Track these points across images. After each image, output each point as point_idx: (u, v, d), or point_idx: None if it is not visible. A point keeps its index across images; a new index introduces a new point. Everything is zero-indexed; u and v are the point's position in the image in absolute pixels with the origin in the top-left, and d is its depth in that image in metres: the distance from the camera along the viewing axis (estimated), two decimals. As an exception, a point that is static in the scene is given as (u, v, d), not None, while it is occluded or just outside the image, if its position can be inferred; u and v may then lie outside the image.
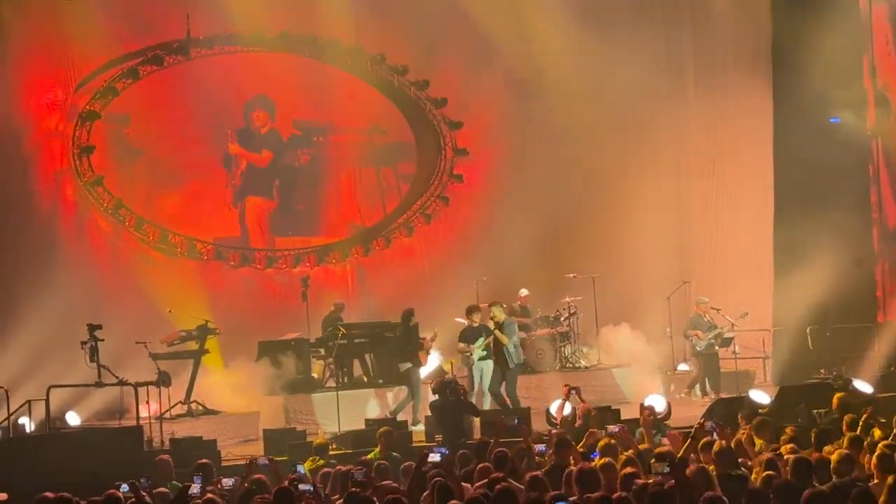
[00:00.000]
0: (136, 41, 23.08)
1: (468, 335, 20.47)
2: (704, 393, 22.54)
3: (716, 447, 11.86)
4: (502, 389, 20.20)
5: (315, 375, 21.69)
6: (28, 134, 21.89)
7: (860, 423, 13.71)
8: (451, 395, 18.15)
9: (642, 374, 22.83)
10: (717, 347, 22.71)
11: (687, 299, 24.28)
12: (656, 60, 24.99)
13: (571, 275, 23.74)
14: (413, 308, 20.89)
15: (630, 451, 12.56)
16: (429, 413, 18.93)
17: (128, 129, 23.11)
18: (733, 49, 25.45)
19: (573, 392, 17.24)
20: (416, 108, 25.77)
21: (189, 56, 23.44)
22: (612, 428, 14.26)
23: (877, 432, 13.34)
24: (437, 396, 18.31)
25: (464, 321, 20.68)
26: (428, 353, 21.04)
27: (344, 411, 19.92)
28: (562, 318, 23.38)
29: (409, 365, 20.56)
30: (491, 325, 20.27)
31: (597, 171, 25.02)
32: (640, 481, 10.60)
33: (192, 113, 23.76)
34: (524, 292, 23.56)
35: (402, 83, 25.47)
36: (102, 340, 17.59)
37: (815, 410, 16.54)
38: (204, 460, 13.90)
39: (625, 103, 25.02)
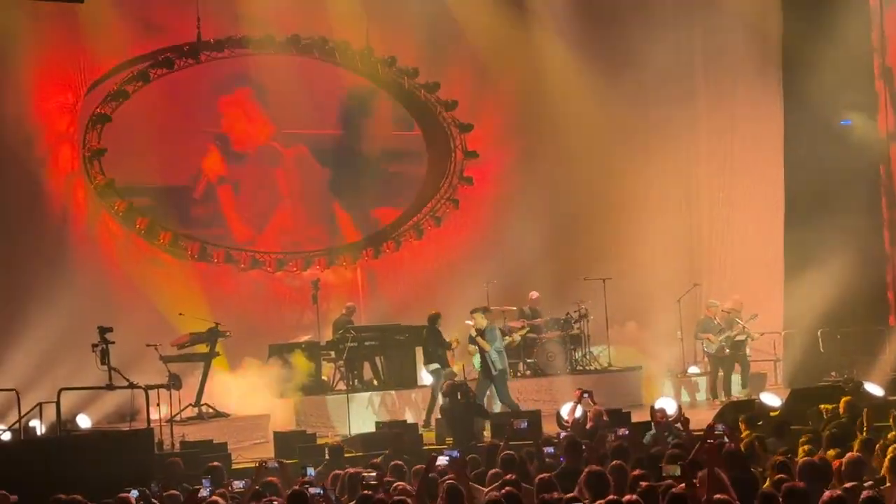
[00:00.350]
0: (147, 44, 23.11)
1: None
2: (715, 396, 22.52)
3: (725, 449, 11.85)
4: (487, 396, 20.12)
5: (325, 378, 21.71)
6: (39, 137, 21.87)
7: (864, 425, 13.70)
8: (462, 399, 18.18)
9: (653, 377, 22.83)
10: (727, 350, 22.65)
11: (698, 301, 24.27)
12: (666, 63, 24.94)
13: (583, 278, 23.70)
14: (439, 312, 20.92)
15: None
16: (439, 416, 18.95)
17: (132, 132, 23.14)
18: (743, 51, 25.36)
19: (586, 395, 17.23)
20: (426, 110, 25.78)
21: (199, 59, 23.47)
22: (622, 430, 14.28)
23: (891, 434, 13.32)
24: (447, 399, 18.34)
25: (472, 323, 20.64)
26: (454, 356, 21.10)
27: (354, 414, 19.96)
28: (572, 321, 23.35)
29: (435, 367, 20.62)
30: (473, 332, 20.20)
31: (607, 174, 24.99)
32: (644, 484, 10.60)
33: (198, 115, 23.80)
34: (534, 294, 23.55)
35: (412, 85, 25.46)
36: (113, 343, 17.59)
37: (822, 406, 16.51)
38: (214, 463, 13.94)
39: (635, 106, 25.03)
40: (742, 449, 12.57)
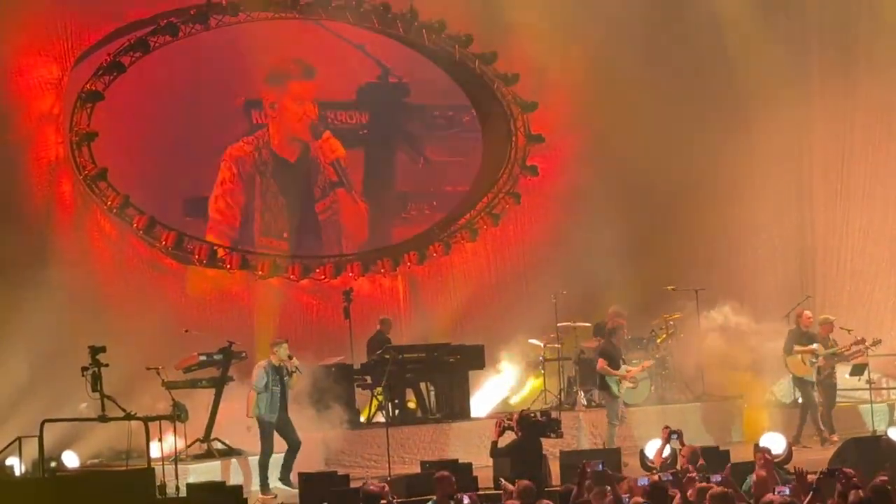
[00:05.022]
0: (147, 7, 23.24)
1: (613, 354, 20.61)
2: (832, 430, 22.38)
3: (852, 498, 11.82)
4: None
5: (360, 409, 21.80)
6: (17, 119, 22.02)
7: None
8: (536, 432, 18.14)
9: (757, 408, 22.77)
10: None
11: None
12: (776, 39, 24.89)
13: (670, 287, 23.69)
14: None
15: None
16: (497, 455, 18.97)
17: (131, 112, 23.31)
18: (866, 26, 25.31)
19: (674, 436, 17.25)
20: (481, 85, 25.83)
21: (208, 25, 23.59)
22: (715, 476, 14.26)
23: None
24: (521, 433, 18.23)
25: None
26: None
27: (395, 452, 20.03)
28: (657, 340, 23.32)
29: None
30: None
31: (700, 162, 24.93)
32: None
33: (209, 91, 23.95)
34: (618, 313, 23.41)
35: (464, 55, 25.51)
36: (107, 366, 17.66)
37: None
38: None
39: (736, 86, 24.97)
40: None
